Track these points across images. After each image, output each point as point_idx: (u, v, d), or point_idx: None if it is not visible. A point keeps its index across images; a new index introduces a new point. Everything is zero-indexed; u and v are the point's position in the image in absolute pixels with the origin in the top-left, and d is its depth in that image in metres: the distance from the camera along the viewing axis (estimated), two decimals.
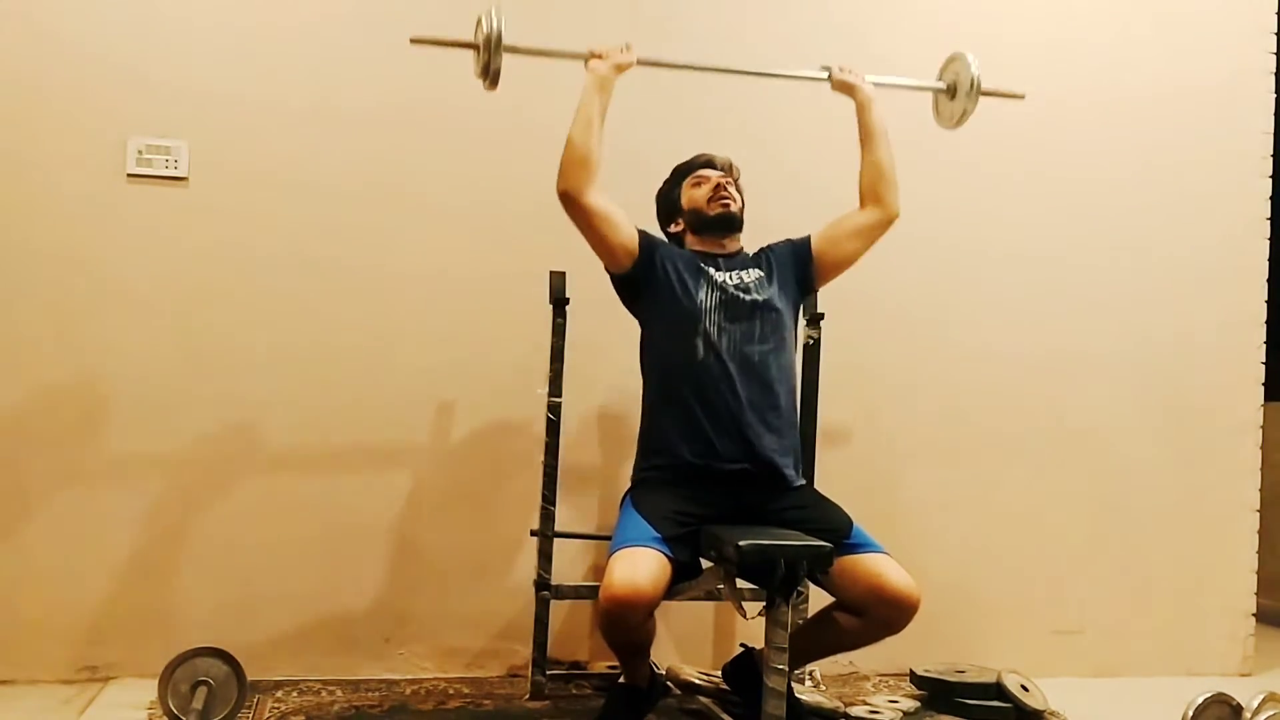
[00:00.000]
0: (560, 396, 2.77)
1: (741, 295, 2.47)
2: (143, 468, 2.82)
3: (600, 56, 2.48)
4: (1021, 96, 2.76)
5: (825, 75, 2.65)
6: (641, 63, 2.54)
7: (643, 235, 2.52)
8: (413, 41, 2.46)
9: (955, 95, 2.70)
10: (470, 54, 2.48)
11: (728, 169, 2.64)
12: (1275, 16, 3.46)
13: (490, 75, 2.43)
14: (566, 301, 2.76)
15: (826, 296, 2.92)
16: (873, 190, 2.58)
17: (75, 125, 2.80)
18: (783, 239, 2.65)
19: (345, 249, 2.93)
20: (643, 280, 2.50)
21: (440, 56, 2.95)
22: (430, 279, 2.97)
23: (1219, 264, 3.42)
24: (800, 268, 2.59)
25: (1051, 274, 3.32)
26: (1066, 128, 3.33)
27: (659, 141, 2.97)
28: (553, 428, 2.77)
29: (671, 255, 2.53)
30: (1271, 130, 3.46)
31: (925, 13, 3.28)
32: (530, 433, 2.86)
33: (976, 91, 2.65)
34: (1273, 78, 3.45)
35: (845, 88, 2.63)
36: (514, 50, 2.42)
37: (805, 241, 2.62)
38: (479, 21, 2.42)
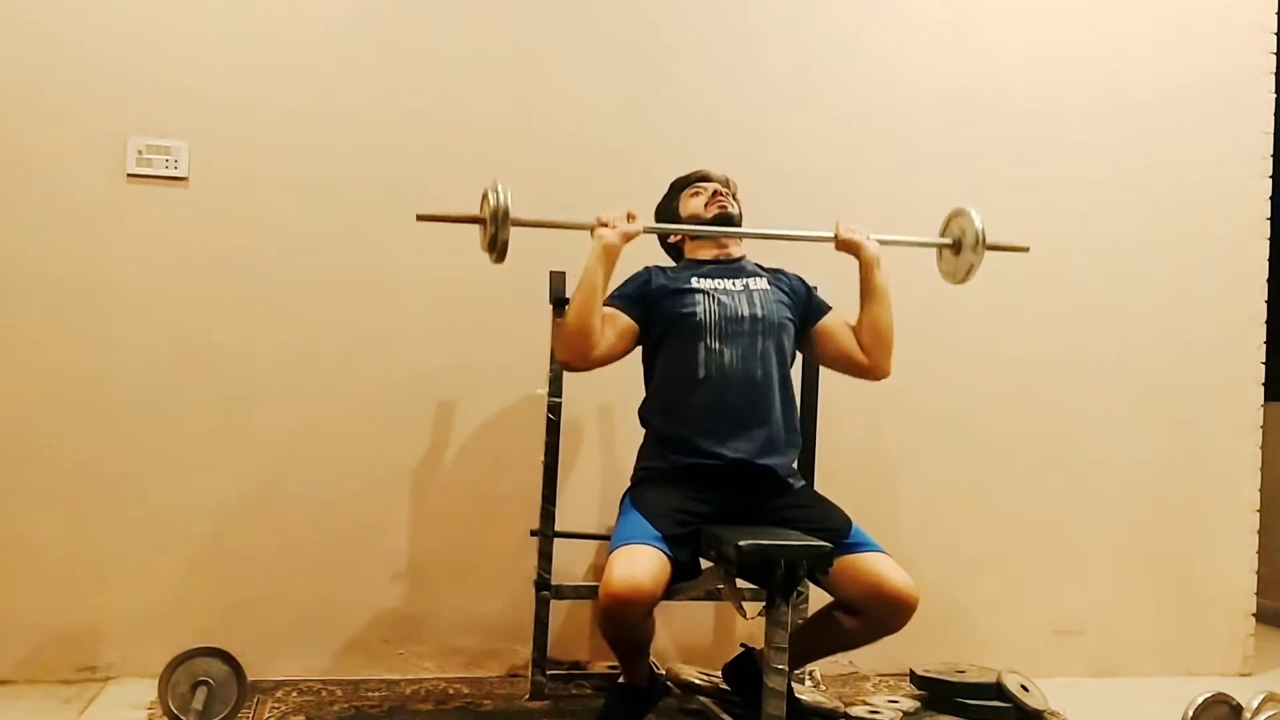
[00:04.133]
0: (560, 396, 2.77)
1: (741, 307, 2.48)
2: (141, 468, 2.82)
3: (607, 225, 2.43)
4: (1026, 249, 2.72)
5: (831, 235, 2.58)
6: (648, 230, 2.52)
7: (632, 308, 2.50)
8: (419, 219, 2.40)
9: (960, 250, 2.66)
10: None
11: (724, 182, 2.67)
12: (1275, 16, 3.45)
13: (498, 249, 2.36)
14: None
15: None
16: (870, 348, 2.55)
17: (75, 125, 2.80)
18: (816, 284, 2.65)
19: (345, 249, 2.93)
20: (650, 330, 2.52)
21: (440, 56, 2.98)
22: (430, 279, 2.97)
23: (1219, 264, 3.42)
24: (806, 315, 2.60)
25: (1051, 274, 3.31)
26: (1066, 128, 3.33)
27: (660, 146, 2.98)
28: (553, 428, 2.77)
29: (661, 290, 2.51)
30: (1271, 130, 3.46)
31: (926, 13, 3.28)
32: (530, 433, 2.86)
33: (982, 245, 2.61)
34: (1273, 78, 3.45)
35: (850, 246, 2.56)
36: (520, 223, 2.36)
37: (822, 310, 2.61)
38: (484, 195, 2.37)
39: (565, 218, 2.51)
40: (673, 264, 2.67)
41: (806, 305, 2.61)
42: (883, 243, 2.58)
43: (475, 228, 2.97)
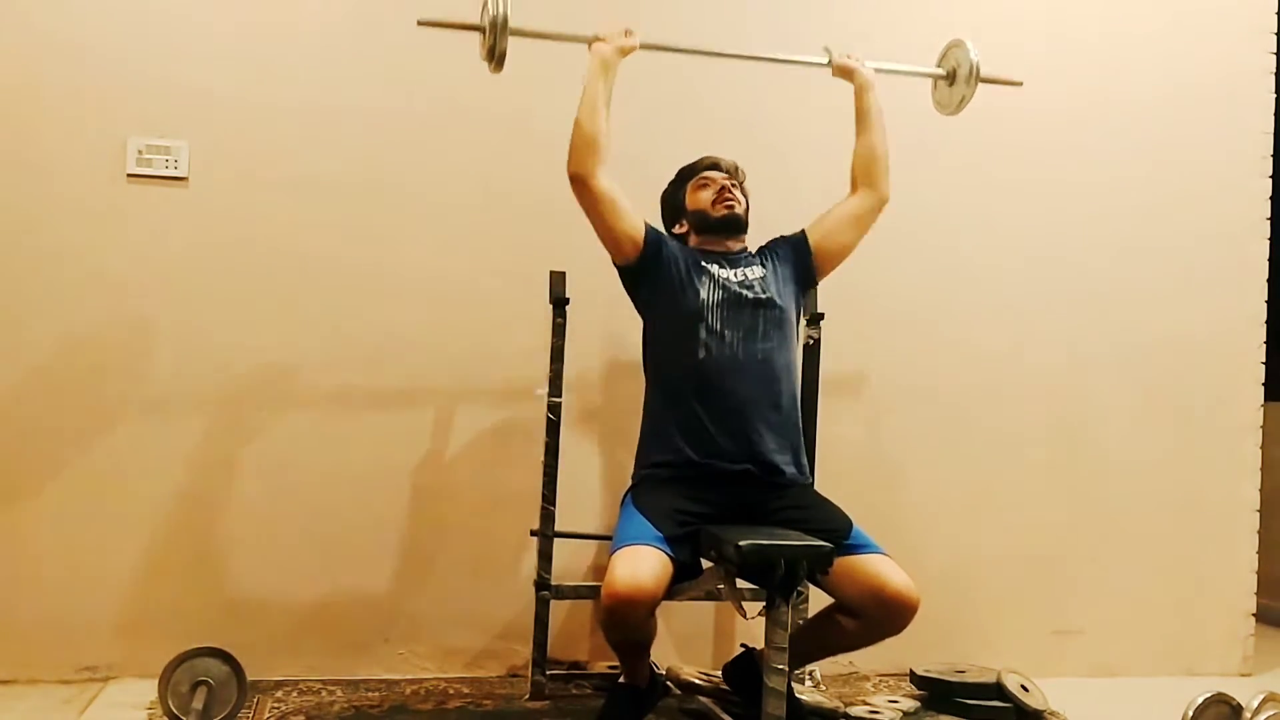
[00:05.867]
0: (560, 396, 2.77)
1: (744, 293, 2.48)
2: (142, 467, 2.82)
3: (603, 40, 2.50)
4: (1019, 84, 2.78)
5: (826, 60, 2.67)
6: (644, 47, 2.55)
7: (650, 229, 2.53)
8: (420, 24, 2.48)
9: (954, 81, 2.74)
10: (477, 41, 2.51)
11: (733, 171, 2.65)
12: (1275, 16, 3.46)
13: (496, 58, 2.45)
14: (566, 301, 2.76)
15: (827, 296, 2.92)
16: (866, 173, 2.61)
17: (75, 125, 2.80)
18: (778, 236, 2.66)
19: (345, 249, 2.93)
20: (647, 273, 2.51)
21: (440, 56, 2.97)
22: (430, 279, 2.97)
23: (1219, 264, 3.42)
24: (800, 262, 2.60)
25: (1051, 273, 3.32)
26: (1066, 128, 3.33)
27: (662, 141, 2.98)
28: (553, 428, 2.77)
29: (677, 252, 2.54)
30: (1271, 130, 3.46)
31: (923, 10, 3.28)
32: (530, 433, 2.86)
33: (975, 78, 2.68)
34: (1273, 78, 3.45)
35: (845, 72, 2.66)
36: (519, 33, 2.44)
37: (801, 236, 2.63)
38: (485, 4, 2.43)
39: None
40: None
41: (797, 248, 2.62)
42: (877, 70, 2.66)
43: (474, 233, 3.00)
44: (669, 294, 2.49)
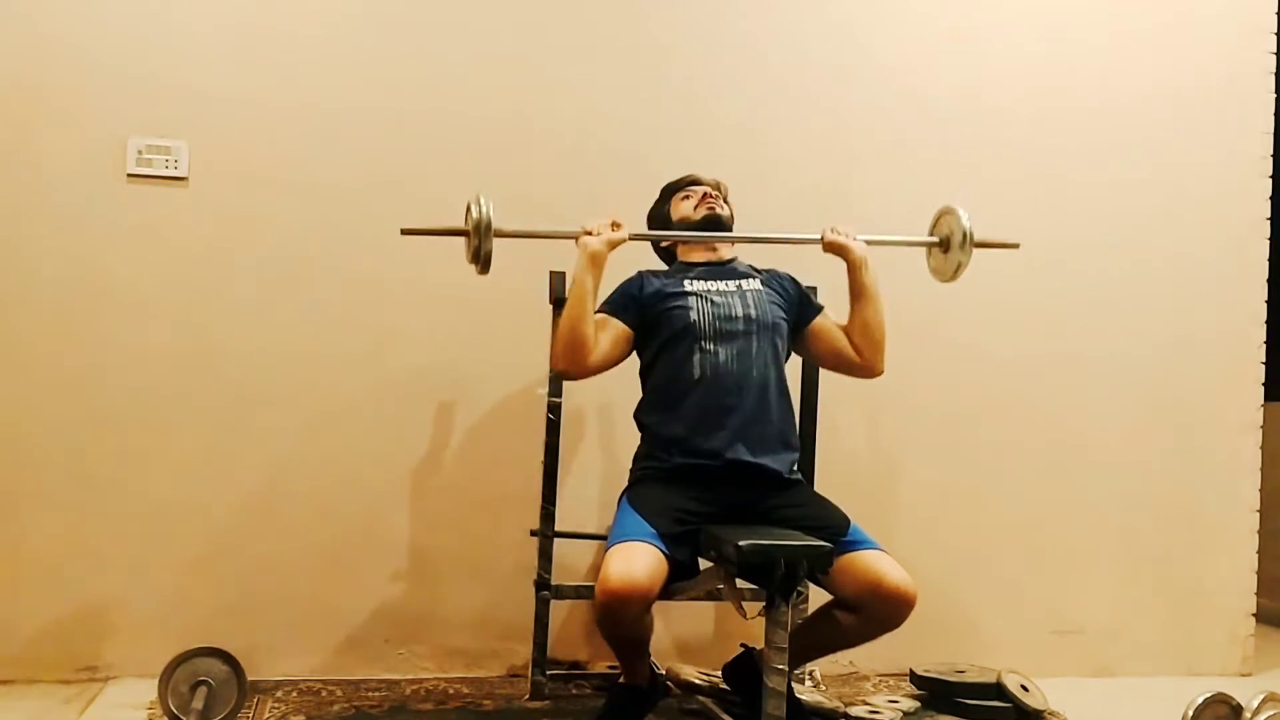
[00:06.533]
0: (560, 396, 2.78)
1: (734, 310, 2.49)
2: (142, 467, 2.82)
3: (592, 233, 2.45)
4: (1016, 246, 2.70)
5: (817, 237, 2.58)
6: (634, 237, 2.52)
7: (625, 313, 2.51)
8: (403, 232, 2.40)
9: (949, 249, 2.64)
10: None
11: (715, 186, 2.68)
12: (1275, 16, 3.45)
13: (481, 260, 2.38)
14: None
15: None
16: (859, 347, 2.55)
17: (75, 125, 2.80)
18: (814, 284, 2.67)
19: (345, 249, 2.93)
20: (644, 335, 2.53)
21: (440, 58, 2.98)
22: (430, 279, 2.96)
23: (1219, 264, 3.42)
24: (798, 316, 2.61)
25: (1051, 273, 3.32)
26: (1066, 128, 3.33)
27: (660, 147, 2.99)
28: (553, 428, 2.77)
29: (654, 295, 2.52)
30: (1271, 130, 3.46)
31: (925, 13, 3.28)
32: (530, 433, 2.86)
33: (970, 244, 2.59)
34: (1273, 78, 3.45)
35: (837, 248, 2.57)
36: (504, 234, 2.38)
37: (814, 310, 2.63)
38: (468, 208, 2.38)
39: (550, 227, 2.51)
40: (665, 267, 2.69)
41: (799, 306, 2.62)
42: (869, 242, 2.58)
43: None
44: (660, 328, 2.50)
